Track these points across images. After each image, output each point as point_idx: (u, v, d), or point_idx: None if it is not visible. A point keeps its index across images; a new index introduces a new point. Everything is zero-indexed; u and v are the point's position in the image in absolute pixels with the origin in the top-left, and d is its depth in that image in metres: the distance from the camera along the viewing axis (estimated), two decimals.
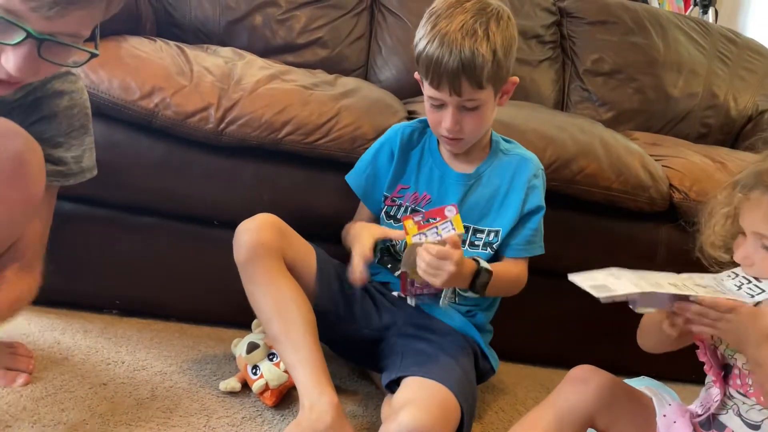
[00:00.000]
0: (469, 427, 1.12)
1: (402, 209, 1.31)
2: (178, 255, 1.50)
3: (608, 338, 1.60)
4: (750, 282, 0.92)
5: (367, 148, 1.41)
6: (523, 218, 1.28)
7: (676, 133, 2.15)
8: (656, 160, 1.67)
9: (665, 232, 1.60)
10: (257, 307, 1.18)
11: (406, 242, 1.16)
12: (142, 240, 1.48)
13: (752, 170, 0.95)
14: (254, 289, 1.18)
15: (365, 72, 2.06)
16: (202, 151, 1.42)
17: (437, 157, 1.31)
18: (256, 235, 1.18)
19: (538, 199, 1.29)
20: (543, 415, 1.01)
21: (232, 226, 1.49)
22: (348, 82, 1.65)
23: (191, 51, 1.54)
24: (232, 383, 1.24)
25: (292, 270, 1.21)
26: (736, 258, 0.95)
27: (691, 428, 1.00)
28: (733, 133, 2.22)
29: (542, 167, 1.33)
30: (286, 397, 1.24)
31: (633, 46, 2.19)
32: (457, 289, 1.28)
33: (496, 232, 1.28)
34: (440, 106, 1.20)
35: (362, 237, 1.21)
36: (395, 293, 1.31)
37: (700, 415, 0.99)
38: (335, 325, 1.25)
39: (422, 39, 1.17)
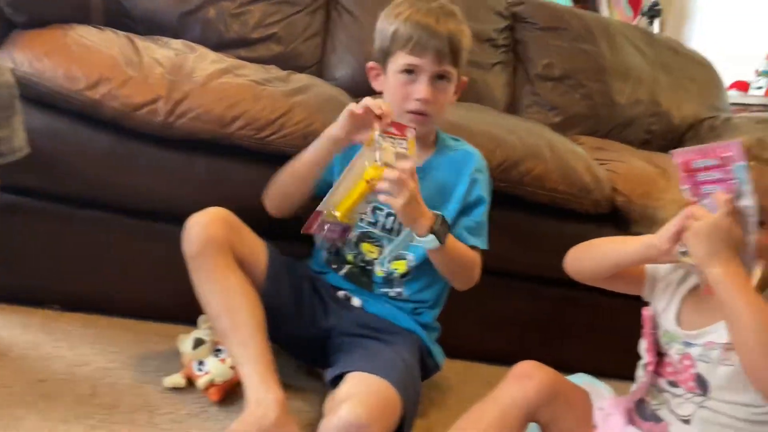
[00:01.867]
0: (411, 421, 1.13)
1: None
2: (124, 249, 1.48)
3: (550, 337, 1.65)
4: None
5: None
6: (466, 209, 1.30)
7: (622, 139, 2.22)
8: (600, 164, 1.72)
9: (608, 233, 1.62)
10: (206, 302, 1.17)
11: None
12: (87, 233, 1.45)
13: None
14: (203, 283, 1.17)
15: (320, 70, 2.06)
16: (150, 143, 1.40)
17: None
18: (206, 229, 1.17)
19: (481, 191, 1.31)
20: (487, 409, 1.03)
21: (182, 221, 1.49)
22: (301, 79, 1.65)
23: (141, 42, 1.52)
24: (177, 379, 1.22)
25: (242, 266, 1.20)
26: None
27: (625, 420, 1.04)
28: (675, 140, 2.30)
29: (486, 164, 1.36)
30: (231, 394, 1.23)
31: (582, 53, 2.25)
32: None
33: None
34: (413, 76, 1.23)
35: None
36: (342, 293, 1.32)
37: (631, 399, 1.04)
38: (282, 322, 1.24)
39: (401, 14, 1.23)
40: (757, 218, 0.89)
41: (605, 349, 1.58)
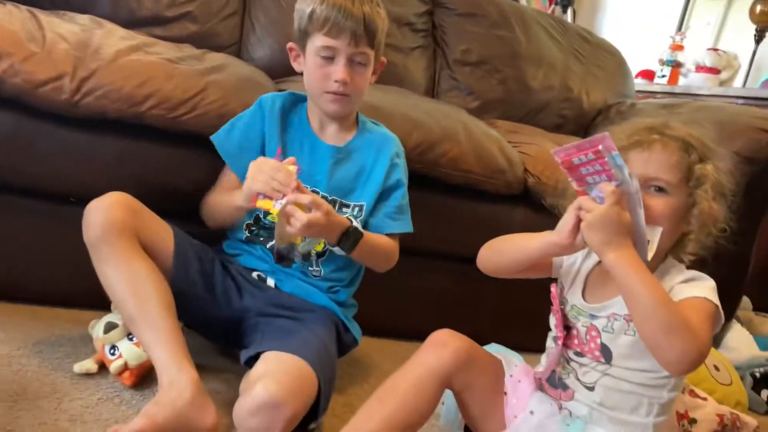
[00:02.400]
0: (327, 398, 1.14)
1: None
2: (32, 233, 1.42)
3: (466, 312, 1.70)
4: None
5: None
6: (385, 193, 1.33)
7: (536, 123, 2.30)
8: (514, 147, 1.78)
9: (520, 212, 1.72)
10: (110, 288, 1.14)
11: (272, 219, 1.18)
12: None
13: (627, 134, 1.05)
14: (106, 269, 1.14)
15: (238, 50, 2.03)
16: (56, 123, 1.34)
17: (307, 128, 1.33)
18: (107, 214, 1.14)
19: (399, 174, 1.35)
20: (403, 377, 1.05)
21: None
22: (216, 58, 1.62)
23: (44, 16, 1.45)
24: (88, 365, 1.19)
25: (148, 250, 1.17)
26: None
27: (533, 386, 1.10)
28: (585, 125, 2.41)
29: (403, 149, 1.40)
30: (146, 378, 1.21)
31: (498, 39, 2.31)
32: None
33: (361, 207, 1.32)
34: (331, 58, 1.24)
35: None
36: (255, 274, 1.32)
37: (544, 374, 1.09)
38: (195, 306, 1.23)
39: None
40: (641, 196, 0.94)
41: (517, 323, 1.65)
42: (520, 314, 1.64)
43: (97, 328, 1.23)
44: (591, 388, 1.05)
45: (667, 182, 0.99)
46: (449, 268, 1.71)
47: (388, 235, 1.34)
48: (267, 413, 1.01)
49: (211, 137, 1.35)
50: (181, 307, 1.17)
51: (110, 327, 1.21)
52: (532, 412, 1.06)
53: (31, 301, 1.41)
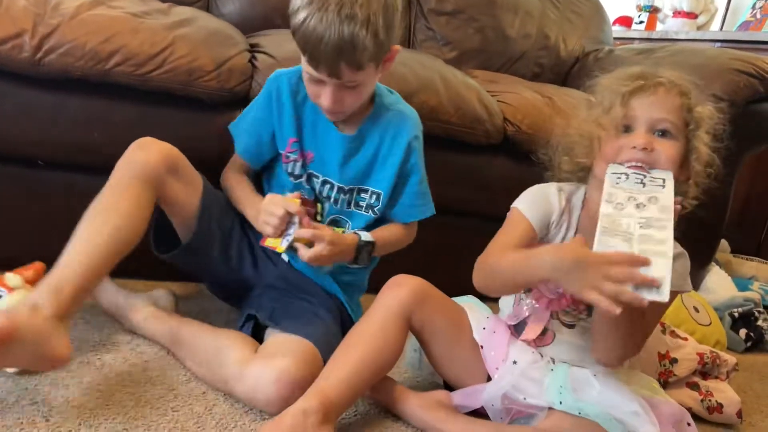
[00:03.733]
0: None
1: (299, 165, 1.27)
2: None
3: (448, 264, 1.68)
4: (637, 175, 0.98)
5: (207, 81, 1.36)
6: (402, 178, 1.29)
7: (513, 72, 2.27)
8: (492, 96, 1.75)
9: (499, 163, 1.70)
10: (92, 206, 1.07)
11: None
12: None
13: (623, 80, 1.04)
14: (101, 194, 1.08)
15: (206, 5, 1.96)
16: (18, 83, 1.29)
17: (319, 112, 1.24)
18: (147, 155, 1.11)
19: (416, 158, 1.30)
20: (368, 321, 1.09)
21: (61, 166, 1.40)
22: (183, 12, 1.56)
23: None
24: None
25: (171, 207, 1.16)
26: (619, 157, 1.01)
27: (508, 334, 1.11)
28: (563, 73, 2.38)
29: (421, 126, 1.33)
30: None
31: None
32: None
33: (378, 195, 1.28)
34: (319, 82, 1.15)
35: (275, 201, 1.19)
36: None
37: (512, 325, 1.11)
38: (208, 264, 1.23)
39: (301, 9, 1.07)
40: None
41: None
42: None
43: None
44: (571, 326, 1.08)
45: (673, 124, 1.01)
46: (430, 222, 1.70)
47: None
48: (289, 387, 1.02)
49: (229, 127, 1.33)
50: (194, 263, 1.21)
51: None
52: (515, 362, 1.07)
53: (3, 266, 1.38)
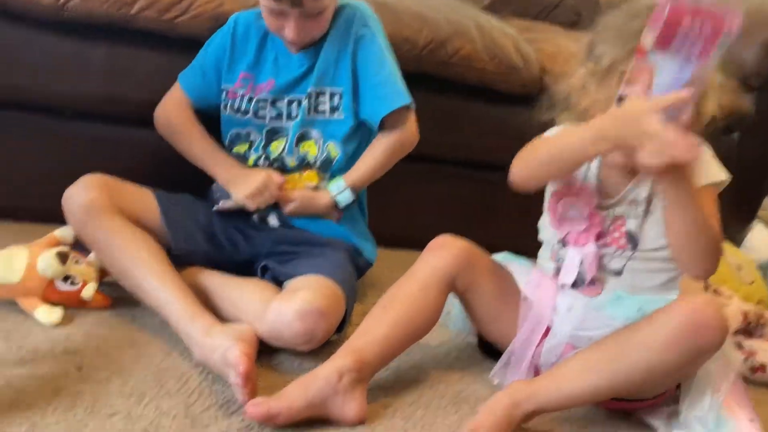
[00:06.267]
0: (350, 314, 1.14)
1: (246, 99, 1.25)
2: (30, 150, 1.37)
3: (477, 220, 1.65)
4: None
5: None
6: (361, 72, 1.23)
7: (551, 21, 2.17)
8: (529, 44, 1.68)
9: (535, 115, 1.63)
10: (110, 265, 1.11)
11: None
12: None
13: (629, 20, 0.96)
14: (99, 249, 1.11)
15: None
16: (41, 31, 1.27)
17: (278, 42, 1.23)
18: (84, 196, 1.10)
19: (370, 45, 1.23)
20: (407, 281, 1.04)
21: (89, 117, 1.38)
22: None
23: None
24: (56, 314, 1.05)
25: (137, 222, 1.13)
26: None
27: (554, 288, 1.07)
28: None
29: (371, 13, 1.26)
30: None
31: None
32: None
33: (339, 95, 1.24)
34: (280, 14, 1.13)
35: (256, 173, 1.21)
36: (255, 217, 1.27)
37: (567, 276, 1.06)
38: (202, 261, 1.20)
39: None
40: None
41: (532, 231, 1.60)
42: (534, 221, 1.60)
43: (45, 265, 1.07)
44: (619, 273, 1.04)
45: None
46: (462, 175, 1.66)
47: (387, 118, 1.23)
48: (313, 318, 1.00)
49: (179, 78, 1.29)
50: (192, 259, 1.18)
51: (65, 257, 1.09)
52: (570, 309, 1.04)
53: (34, 219, 1.37)
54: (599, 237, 1.04)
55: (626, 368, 0.92)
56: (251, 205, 1.21)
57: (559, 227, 1.08)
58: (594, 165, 1.05)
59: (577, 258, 1.04)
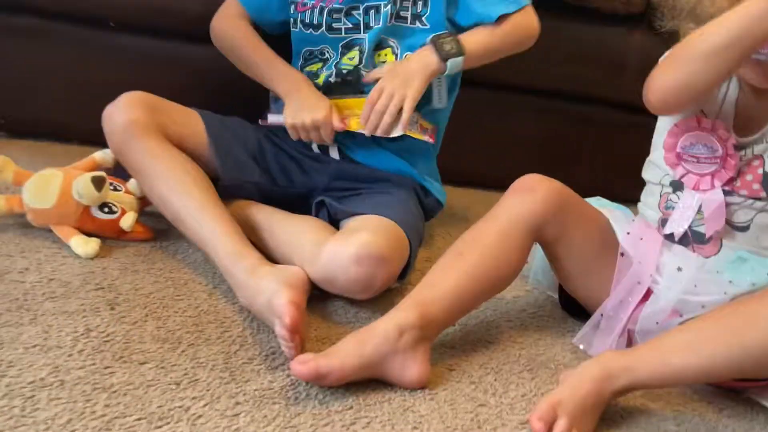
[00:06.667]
0: (414, 262, 1.03)
1: (316, 12, 1.11)
2: (71, 63, 1.29)
3: (562, 159, 1.49)
4: None
5: None
6: None
7: None
8: None
9: (638, 38, 1.43)
10: (149, 191, 1.00)
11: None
12: (27, 45, 1.23)
13: None
14: (140, 173, 1.00)
15: None
16: None
17: None
18: (125, 115, 0.99)
19: None
20: (486, 227, 0.90)
21: (137, 30, 1.28)
22: None
23: None
24: (92, 245, 0.96)
25: (180, 144, 1.02)
26: None
27: (660, 243, 0.90)
28: None
29: None
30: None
31: None
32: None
33: (424, 1, 1.09)
34: None
35: (317, 106, 1.06)
36: (315, 145, 1.13)
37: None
38: (251, 191, 1.09)
39: None
40: None
41: (627, 173, 1.42)
42: (634, 162, 1.42)
43: (80, 189, 0.97)
44: (744, 228, 0.88)
45: None
46: (548, 108, 1.48)
47: (502, 18, 1.08)
48: (372, 263, 0.89)
49: None
50: (243, 192, 1.07)
51: (101, 181, 0.99)
52: (680, 269, 0.87)
53: (80, 140, 1.29)
54: (729, 182, 0.86)
55: (748, 344, 0.74)
56: (294, 136, 1.08)
57: (678, 165, 0.90)
58: (732, 91, 0.88)
59: (695, 205, 0.87)
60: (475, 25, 1.10)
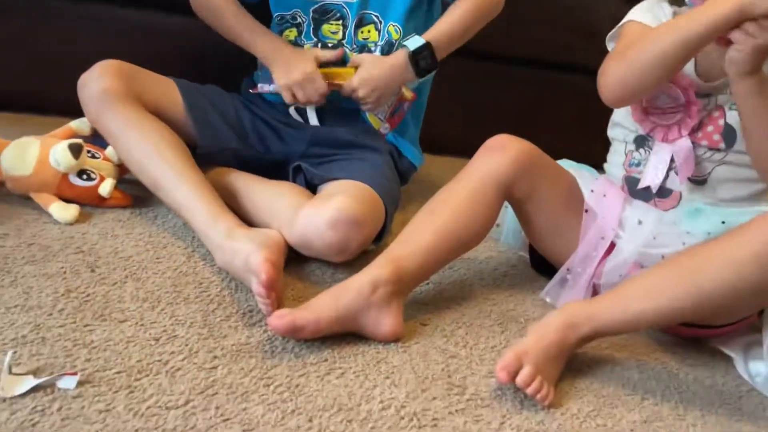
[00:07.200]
0: (389, 226, 1.05)
1: None
2: (44, 35, 1.28)
3: (542, 125, 1.50)
4: None
5: None
6: None
7: None
8: None
9: (605, 2, 1.44)
10: (126, 158, 1.01)
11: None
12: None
13: None
14: (116, 140, 1.00)
15: None
16: None
17: None
18: (100, 83, 0.99)
19: None
20: (457, 186, 0.93)
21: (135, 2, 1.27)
22: None
23: None
24: (70, 211, 0.97)
25: (157, 112, 1.03)
26: None
27: (622, 198, 0.93)
28: None
29: None
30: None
31: None
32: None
33: None
34: None
35: (302, 61, 1.07)
36: (292, 109, 1.15)
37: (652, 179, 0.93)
38: (228, 157, 1.10)
39: None
40: None
41: (593, 136, 1.45)
42: (600, 126, 1.45)
43: (58, 157, 0.98)
44: (702, 182, 0.91)
45: None
46: (520, 75, 1.49)
47: None
48: (347, 227, 0.91)
49: None
50: (220, 158, 1.08)
51: (78, 149, 1.00)
52: (640, 222, 0.90)
53: (58, 112, 1.29)
54: (693, 131, 0.89)
55: (704, 288, 0.77)
56: (288, 98, 1.09)
57: (645, 120, 0.93)
58: None
59: (667, 156, 0.90)
60: None
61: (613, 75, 0.88)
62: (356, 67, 1.08)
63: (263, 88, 1.11)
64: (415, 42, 1.08)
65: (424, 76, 1.10)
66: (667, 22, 0.88)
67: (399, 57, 1.08)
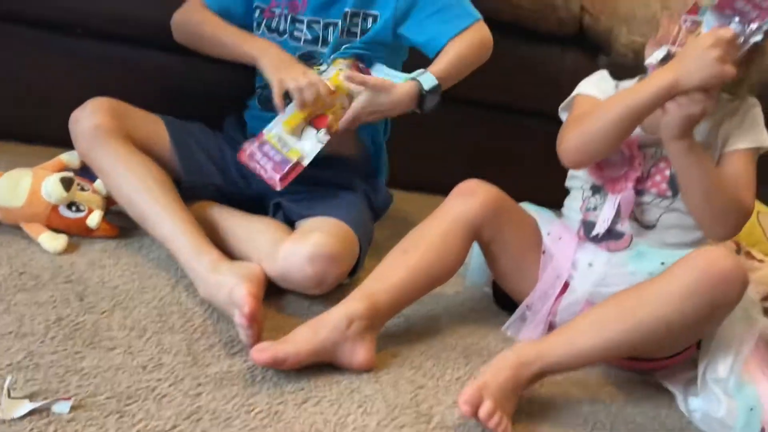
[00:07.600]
0: (363, 261, 1.11)
1: (282, 19, 1.18)
2: (35, 70, 1.32)
3: (507, 166, 1.59)
4: None
5: None
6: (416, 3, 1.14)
7: None
8: None
9: (571, 57, 1.54)
10: (115, 193, 1.06)
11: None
12: None
13: None
14: (106, 175, 1.06)
15: None
16: None
17: None
18: (92, 120, 1.05)
19: None
20: (429, 226, 1.00)
21: (101, 36, 1.32)
22: None
23: None
24: (59, 241, 1.01)
25: (145, 149, 1.08)
26: None
27: (575, 242, 1.02)
28: None
29: None
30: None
31: None
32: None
33: (374, 18, 1.16)
34: None
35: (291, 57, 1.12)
36: None
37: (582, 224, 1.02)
38: (214, 193, 1.16)
39: None
40: None
41: (557, 180, 1.55)
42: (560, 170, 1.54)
43: (49, 189, 1.03)
44: (651, 227, 1.00)
45: None
46: (491, 119, 1.59)
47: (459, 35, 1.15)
48: (324, 262, 0.97)
49: None
50: (203, 193, 1.13)
51: (69, 182, 1.05)
52: (591, 264, 0.98)
53: (45, 142, 1.33)
54: (638, 181, 0.98)
55: (642, 321, 0.85)
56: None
57: (597, 173, 1.02)
58: None
59: (614, 205, 0.99)
60: (430, 41, 1.15)
61: (570, 142, 0.98)
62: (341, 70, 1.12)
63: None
64: (428, 81, 1.10)
65: (424, 113, 1.13)
66: (616, 95, 0.98)
67: (411, 91, 1.09)
